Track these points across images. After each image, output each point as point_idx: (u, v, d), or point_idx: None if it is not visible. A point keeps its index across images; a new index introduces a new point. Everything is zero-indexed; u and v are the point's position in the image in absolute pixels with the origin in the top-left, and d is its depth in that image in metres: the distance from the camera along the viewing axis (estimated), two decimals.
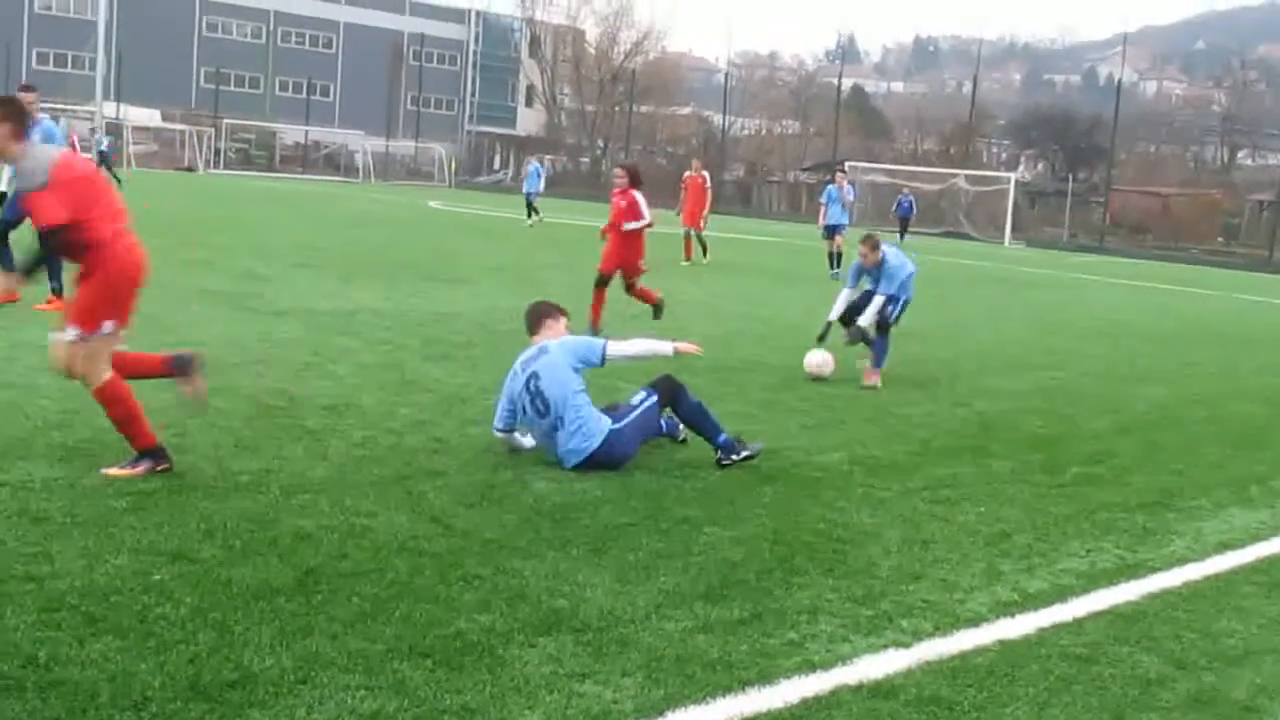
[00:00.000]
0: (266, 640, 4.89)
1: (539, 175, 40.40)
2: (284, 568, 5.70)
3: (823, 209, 28.35)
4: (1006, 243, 54.58)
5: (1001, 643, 5.55)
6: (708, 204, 28.32)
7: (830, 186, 28.72)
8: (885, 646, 5.39)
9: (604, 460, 7.91)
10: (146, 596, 5.23)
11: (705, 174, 28.68)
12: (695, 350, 9.18)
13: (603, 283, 14.64)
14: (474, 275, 20.28)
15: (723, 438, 8.36)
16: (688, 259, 26.84)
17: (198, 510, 6.47)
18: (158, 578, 5.46)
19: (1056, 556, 6.98)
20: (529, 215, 38.72)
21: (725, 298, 19.93)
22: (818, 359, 12.14)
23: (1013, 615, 5.93)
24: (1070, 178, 69.29)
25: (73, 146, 41.00)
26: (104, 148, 47.18)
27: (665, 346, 8.93)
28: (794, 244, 39.56)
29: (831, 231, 27.50)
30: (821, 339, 12.69)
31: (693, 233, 27.54)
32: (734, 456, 8.31)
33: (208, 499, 6.69)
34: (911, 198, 49.61)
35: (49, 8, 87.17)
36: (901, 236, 45.92)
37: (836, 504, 7.67)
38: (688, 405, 8.45)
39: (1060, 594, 6.31)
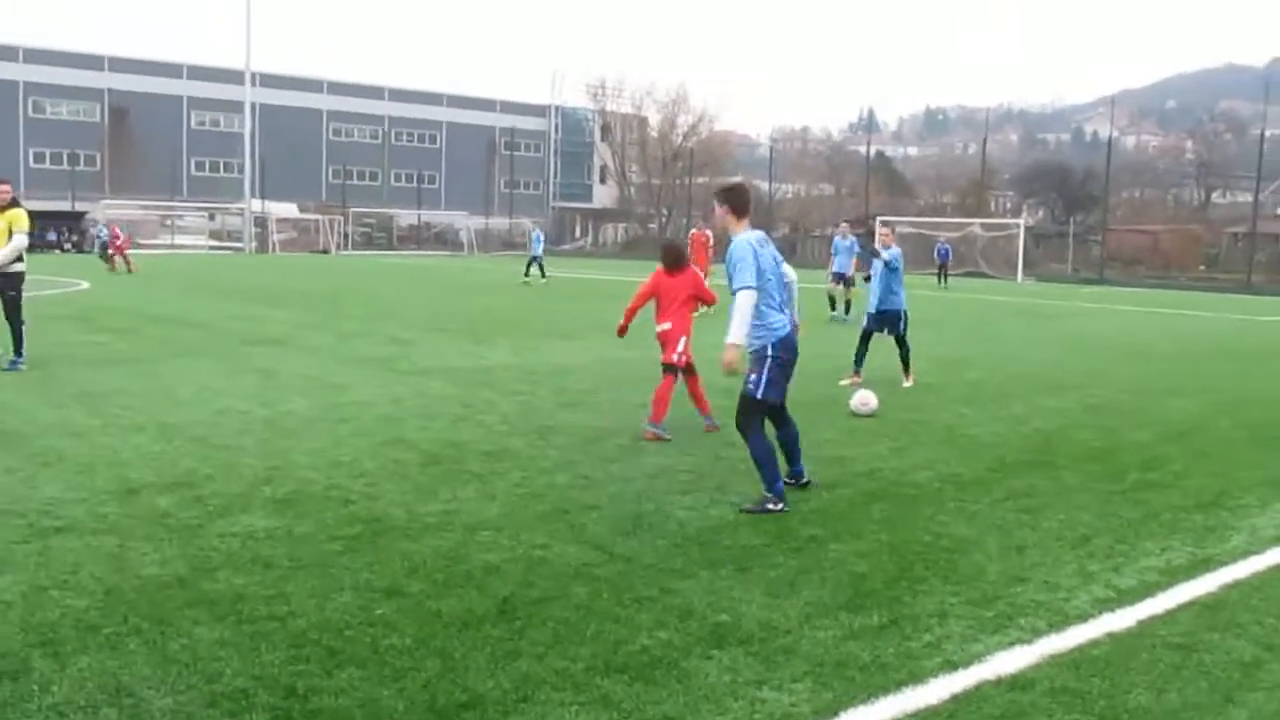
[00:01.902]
0: (484, 664, 4.81)
1: (540, 240, 39.87)
2: (483, 598, 5.63)
3: (832, 259, 26.10)
4: (1019, 279, 53.90)
5: (1110, 635, 5.37)
6: (709, 260, 25.88)
7: (836, 238, 26.59)
8: (1012, 644, 5.22)
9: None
10: (374, 629, 5.17)
11: (709, 232, 26.94)
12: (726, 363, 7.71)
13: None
14: (579, 331, 20.24)
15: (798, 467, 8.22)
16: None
17: (398, 550, 6.42)
18: (380, 612, 5.40)
19: (1136, 555, 6.76)
20: (528, 273, 38.27)
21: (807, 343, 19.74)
22: (860, 398, 11.70)
23: (1113, 610, 5.74)
24: (1070, 221, 68.41)
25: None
26: (104, 238, 45.86)
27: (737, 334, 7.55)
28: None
29: (840, 279, 25.36)
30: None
31: None
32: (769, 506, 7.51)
33: (405, 539, 6.64)
34: (949, 245, 49.08)
35: (204, 123, 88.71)
36: (941, 279, 45.32)
37: (936, 518, 7.49)
38: (790, 430, 8.19)
39: (1148, 589, 6.11)
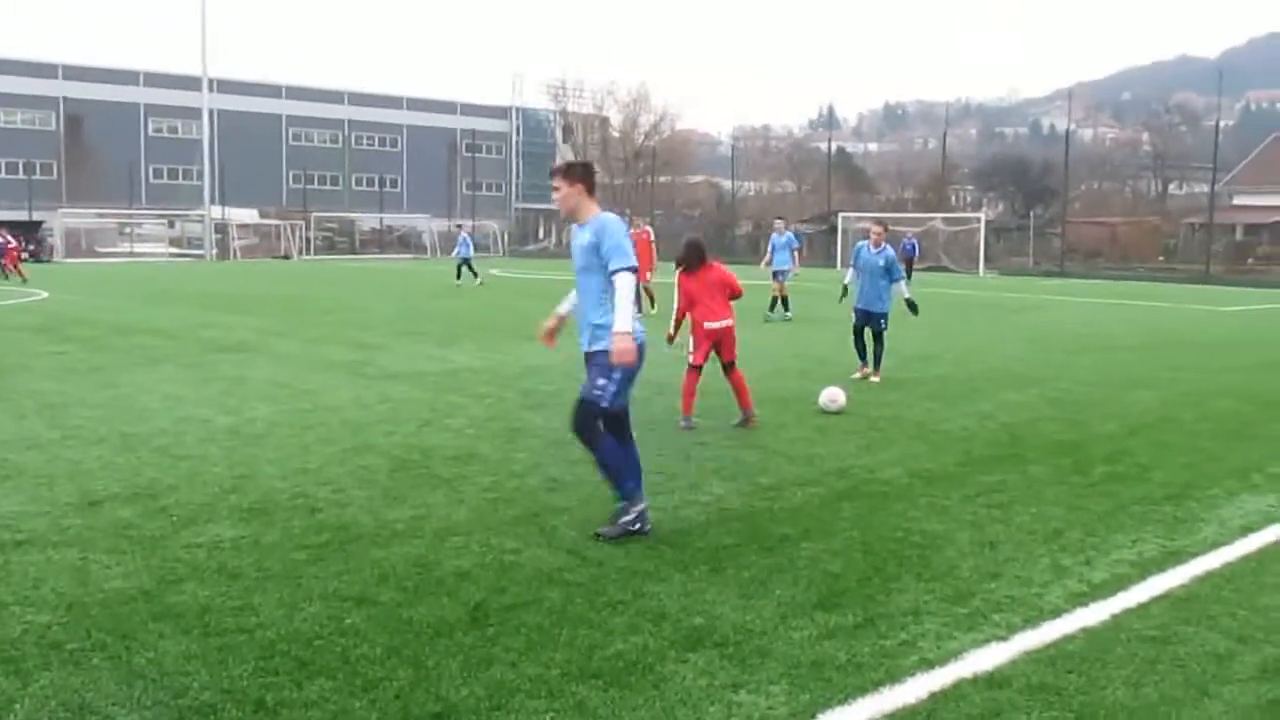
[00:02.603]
0: (457, 672, 4.74)
1: (467, 243, 39.58)
2: (454, 605, 5.56)
3: (770, 256, 25.18)
4: (981, 273, 54.20)
5: (1085, 630, 5.36)
6: (652, 258, 24.88)
7: (773, 235, 25.75)
8: (987, 641, 5.20)
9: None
10: (344, 639, 5.09)
11: (649, 229, 26.04)
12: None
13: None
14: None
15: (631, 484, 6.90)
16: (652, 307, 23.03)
17: (368, 558, 6.34)
18: (349, 621, 5.32)
19: (1107, 549, 6.76)
20: (459, 275, 37.98)
21: (761, 339, 19.68)
22: (828, 394, 11.63)
23: (1086, 604, 5.73)
24: (1029, 214, 68.88)
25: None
26: None
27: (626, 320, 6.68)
28: (805, 286, 39.34)
29: (776, 275, 24.50)
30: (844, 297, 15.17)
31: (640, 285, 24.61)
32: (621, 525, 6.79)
33: (374, 547, 6.56)
34: (915, 240, 48.91)
35: (161, 130, 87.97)
36: (908, 275, 45.38)
37: (908, 514, 7.47)
38: (633, 450, 7.08)
39: (1120, 582, 6.11)
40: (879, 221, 14.76)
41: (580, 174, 7.02)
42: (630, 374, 6.87)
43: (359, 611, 5.45)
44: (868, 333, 13.91)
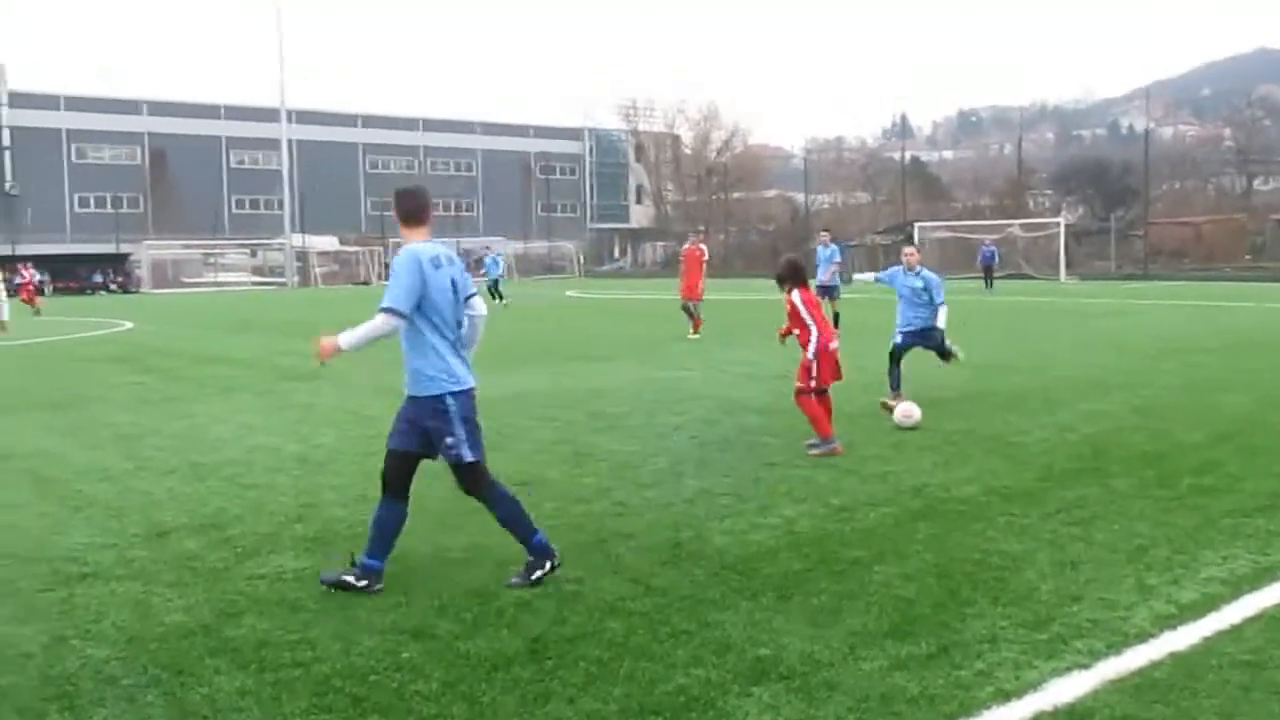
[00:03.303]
0: (512, 708, 4.59)
1: (497, 264, 39.21)
2: (513, 637, 5.41)
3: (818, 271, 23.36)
4: (1062, 278, 53.24)
5: (1173, 656, 5.06)
6: (703, 276, 23.75)
7: (818, 247, 24.14)
8: (1068, 669, 4.93)
9: None
10: (400, 674, 4.96)
11: (703, 246, 24.89)
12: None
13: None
14: (616, 353, 20.01)
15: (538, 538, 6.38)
16: (695, 332, 22.71)
17: (427, 588, 6.22)
18: (406, 655, 5.19)
19: (1196, 566, 6.43)
20: (495, 296, 37.09)
21: (849, 355, 19.37)
22: (903, 409, 11.36)
23: (1174, 628, 5.43)
24: (1110, 217, 67.51)
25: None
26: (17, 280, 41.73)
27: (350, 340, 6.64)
28: (878, 300, 38.92)
29: (825, 292, 22.17)
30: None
31: (690, 305, 23.34)
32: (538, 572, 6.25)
33: (433, 577, 6.44)
34: (994, 248, 48.11)
35: (242, 162, 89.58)
36: (988, 284, 44.42)
37: (985, 534, 7.19)
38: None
39: (1211, 602, 5.79)
40: (914, 247, 13.89)
41: (398, 204, 6.49)
42: (467, 416, 6.30)
43: (416, 645, 5.33)
44: (905, 359, 13.06)
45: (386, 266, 79.06)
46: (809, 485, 8.67)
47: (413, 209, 6.46)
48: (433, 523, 7.69)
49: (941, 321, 13.02)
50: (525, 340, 23.21)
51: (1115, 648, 5.18)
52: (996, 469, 9.19)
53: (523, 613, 5.76)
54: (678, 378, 15.64)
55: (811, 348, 10.06)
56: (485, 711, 4.56)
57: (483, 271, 39.56)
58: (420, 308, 6.21)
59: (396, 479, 6.39)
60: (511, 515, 6.40)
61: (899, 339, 13.13)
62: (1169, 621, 5.52)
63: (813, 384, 10.05)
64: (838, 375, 10.32)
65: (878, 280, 13.80)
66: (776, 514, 7.78)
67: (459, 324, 6.41)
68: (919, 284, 12.95)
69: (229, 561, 6.83)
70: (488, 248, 47.25)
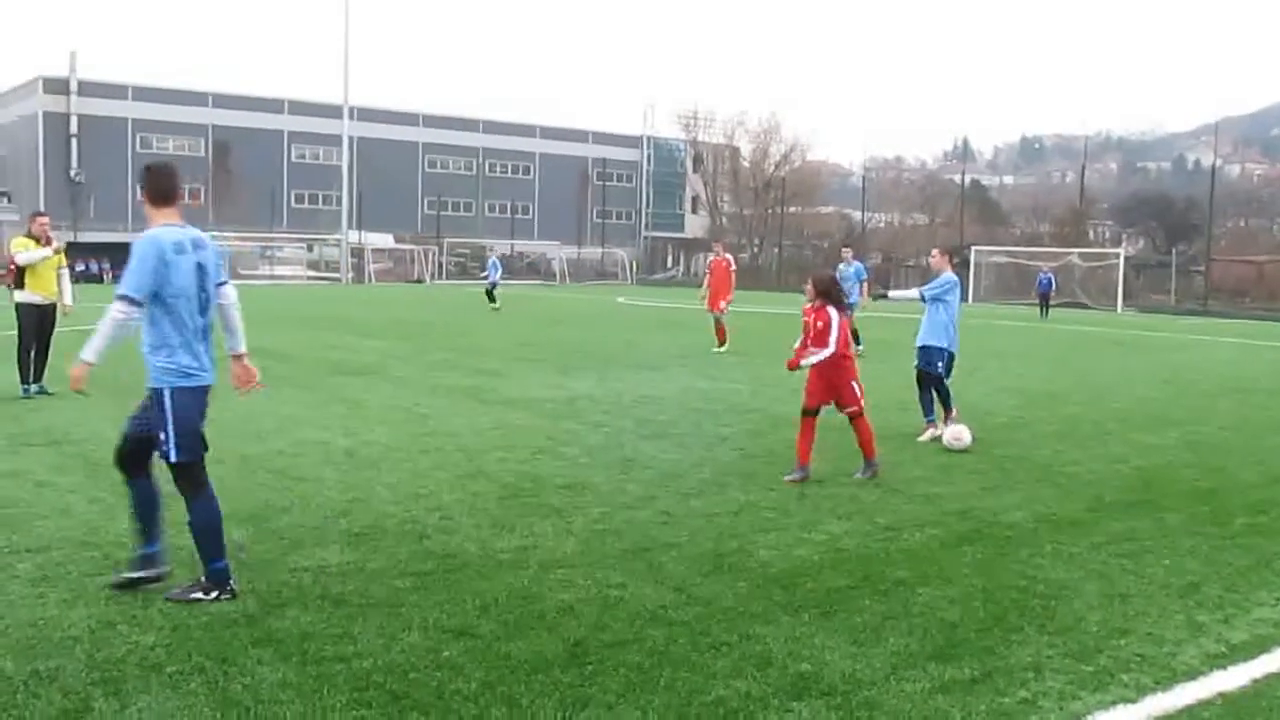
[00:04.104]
0: (551, 712, 4.60)
1: (497, 268, 38.94)
2: (554, 640, 5.42)
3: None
4: (1119, 310, 52.63)
5: (1222, 696, 5.00)
6: (731, 288, 23.07)
7: (841, 265, 22.97)
8: (1114, 703, 4.87)
9: None
10: (440, 673, 4.98)
11: (729, 256, 23.96)
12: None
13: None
14: (665, 362, 19.99)
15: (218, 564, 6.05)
16: (721, 345, 22.14)
17: (471, 588, 6.24)
18: (447, 654, 5.22)
19: (1248, 606, 6.34)
20: (494, 300, 37.10)
21: (883, 373, 19.25)
22: (953, 431, 11.27)
23: (1224, 667, 5.36)
24: (1171, 251, 66.67)
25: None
26: None
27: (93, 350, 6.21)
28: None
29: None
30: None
31: (716, 317, 22.64)
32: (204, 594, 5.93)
33: (478, 577, 6.46)
34: (1050, 275, 47.35)
35: (303, 156, 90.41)
36: (1043, 312, 43.75)
37: (1033, 561, 7.12)
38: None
39: (1262, 644, 5.71)
40: (940, 249, 13.34)
41: (146, 181, 6.20)
42: (185, 415, 6.16)
43: (457, 644, 5.35)
44: (964, 375, 12.47)
45: (440, 266, 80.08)
46: (854, 503, 8.63)
47: (163, 188, 6.20)
48: (486, 523, 7.74)
49: (894, 293, 12.39)
50: (577, 346, 23.26)
51: (1163, 684, 5.12)
52: (1045, 497, 9.09)
53: (565, 617, 5.77)
54: (726, 389, 15.61)
55: (852, 366, 9.84)
56: (524, 714, 4.57)
57: (484, 273, 39.52)
58: (159, 295, 5.95)
59: (129, 460, 6.26)
60: (205, 529, 6.08)
61: (916, 357, 12.43)
62: (1218, 661, 5.44)
63: (859, 405, 9.71)
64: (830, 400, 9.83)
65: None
66: (821, 530, 7.75)
67: (204, 312, 6.19)
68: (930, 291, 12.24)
69: (275, 553, 6.88)
70: (490, 250, 46.54)
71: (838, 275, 22.33)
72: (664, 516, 8.07)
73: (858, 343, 22.30)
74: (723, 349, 21.85)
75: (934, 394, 12.14)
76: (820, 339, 9.65)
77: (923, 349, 12.20)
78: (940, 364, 12.13)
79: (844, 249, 25.28)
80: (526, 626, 5.61)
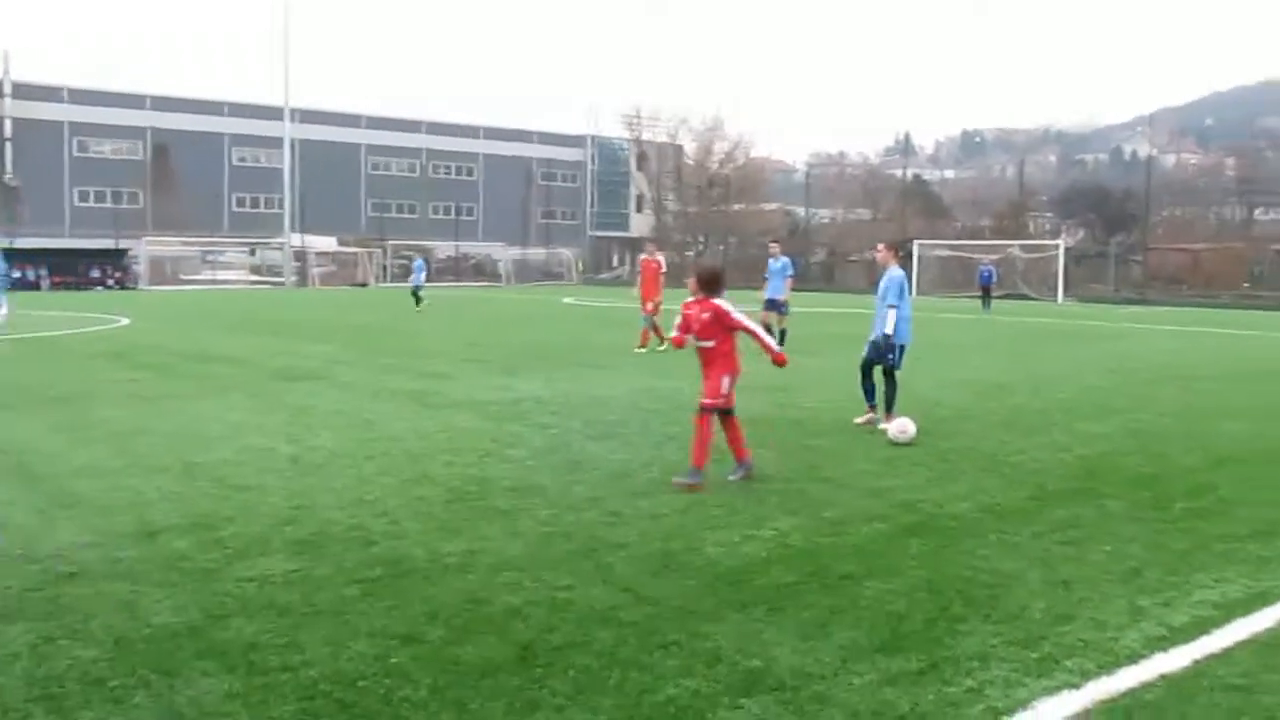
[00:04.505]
0: (500, 716, 4.58)
1: (422, 269, 39.00)
2: (502, 644, 5.40)
3: (766, 282, 22.36)
4: (1060, 300, 53.34)
5: (1164, 678, 5.08)
6: (660, 289, 22.38)
7: (770, 259, 22.74)
8: (1059, 689, 4.93)
9: None
10: (388, 680, 4.95)
11: (660, 257, 23.32)
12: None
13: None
14: (613, 361, 20.00)
15: None
16: (642, 346, 21.79)
17: (418, 593, 6.20)
18: (395, 661, 5.18)
19: (1188, 589, 6.44)
20: (421, 303, 37.20)
21: (830, 368, 19.39)
22: (898, 425, 11.31)
23: (1165, 650, 5.44)
24: (1110, 241, 67.63)
25: None
26: None
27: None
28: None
29: (773, 307, 21.79)
30: None
31: (646, 319, 22.06)
32: None
33: (425, 582, 6.42)
34: (992, 268, 47.80)
35: (244, 159, 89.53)
36: (985, 303, 44.07)
37: (978, 551, 7.19)
38: None
39: (1202, 626, 5.80)
40: (885, 243, 13.15)
41: None
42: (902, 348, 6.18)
43: (405, 650, 5.31)
44: (877, 371, 12.41)
45: (384, 268, 79.52)
46: (802, 498, 8.67)
47: None
48: (433, 527, 7.70)
49: (888, 328, 12.14)
50: (524, 348, 23.21)
51: (1106, 668, 5.18)
52: (990, 487, 9.19)
53: (513, 620, 5.75)
54: (674, 388, 15.61)
55: (732, 362, 9.24)
56: (473, 718, 4.55)
57: (412, 276, 39.44)
58: None
59: None
60: None
61: (866, 350, 12.58)
62: (1160, 643, 5.53)
63: (722, 401, 9.19)
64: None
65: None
66: (769, 526, 7.77)
67: None
68: (883, 283, 12.35)
69: (218, 563, 6.80)
70: (415, 253, 45.97)
71: (768, 270, 22.63)
72: (612, 517, 8.06)
73: (782, 343, 22.07)
74: (663, 347, 21.12)
75: (875, 384, 12.29)
76: (707, 331, 9.22)
77: (884, 344, 12.22)
78: (892, 356, 12.25)
79: (772, 244, 24.68)
80: (475, 631, 5.59)
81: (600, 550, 7.13)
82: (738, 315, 9.27)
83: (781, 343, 21.06)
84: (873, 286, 12.27)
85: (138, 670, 5.06)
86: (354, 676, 4.98)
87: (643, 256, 24.05)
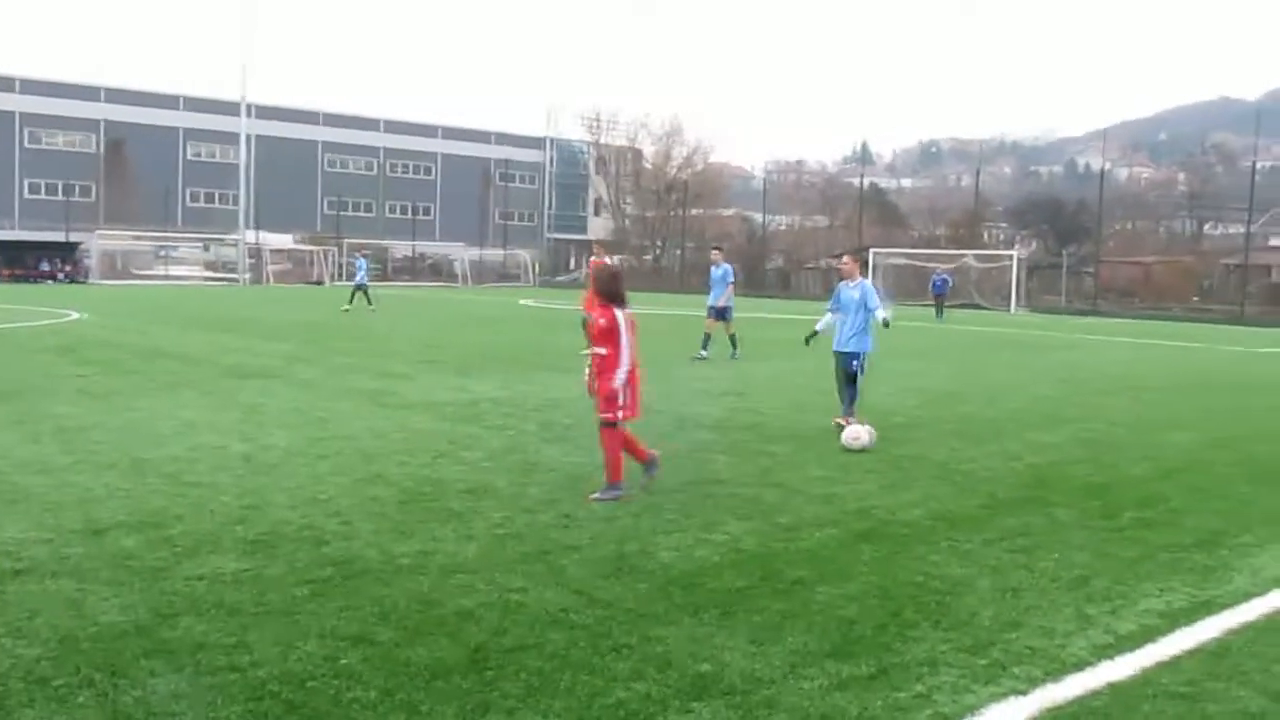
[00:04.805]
0: (451, 718, 4.56)
1: (363, 268, 38.76)
2: (454, 646, 5.38)
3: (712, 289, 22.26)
4: (1013, 310, 53.84)
5: (1111, 685, 5.13)
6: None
7: (712, 266, 22.88)
8: (1006, 695, 4.98)
9: None
10: (338, 681, 4.92)
11: (609, 259, 22.76)
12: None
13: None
14: (570, 364, 19.88)
15: None
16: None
17: (370, 594, 6.17)
18: (345, 662, 5.15)
19: (1135, 597, 6.52)
20: (355, 302, 36.72)
21: (786, 373, 19.49)
22: (851, 432, 11.35)
23: (1112, 658, 5.50)
24: (1063, 252, 68.40)
25: None
26: None
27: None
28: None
29: (718, 315, 21.80)
30: (808, 341, 13.50)
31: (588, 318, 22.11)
32: None
33: (377, 583, 6.39)
34: (946, 276, 48.03)
35: (199, 154, 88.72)
36: (938, 313, 44.26)
37: (928, 558, 7.25)
38: None
39: (1149, 634, 5.87)
40: (851, 254, 13.50)
41: None
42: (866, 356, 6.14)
43: (356, 651, 5.28)
44: (871, 374, 12.77)
45: (340, 267, 78.92)
46: (755, 504, 8.70)
47: None
48: (386, 528, 7.66)
49: (887, 313, 12.46)
50: (480, 349, 23.15)
51: (1053, 675, 5.24)
52: (941, 494, 9.26)
53: (465, 622, 5.73)
54: None
55: (621, 374, 8.76)
56: None
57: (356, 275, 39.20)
58: None
59: None
60: None
61: (835, 360, 12.76)
62: (1107, 651, 5.59)
63: (619, 414, 8.82)
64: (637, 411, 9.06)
65: (833, 312, 12.93)
66: (722, 531, 7.79)
67: None
68: (856, 295, 12.52)
69: (167, 561, 6.73)
70: (359, 252, 45.19)
71: (710, 277, 22.34)
72: (565, 519, 8.05)
73: (705, 348, 21.59)
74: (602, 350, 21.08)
75: (852, 390, 12.43)
76: (603, 338, 8.87)
77: (853, 354, 12.41)
78: (857, 364, 12.40)
79: (714, 250, 24.59)
80: (426, 632, 5.56)
81: (554, 553, 7.12)
82: (624, 333, 8.81)
83: (705, 347, 21.48)
84: (828, 294, 12.40)
85: (83, 669, 5.00)
86: (303, 677, 4.95)
87: (591, 258, 23.82)
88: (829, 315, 12.93)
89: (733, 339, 21.87)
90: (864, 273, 13.81)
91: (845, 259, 13.16)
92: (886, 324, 12.48)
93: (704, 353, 21.49)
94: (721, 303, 21.96)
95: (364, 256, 41.12)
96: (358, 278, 38.29)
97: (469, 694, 4.81)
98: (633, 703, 4.76)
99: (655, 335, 25.48)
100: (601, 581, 6.52)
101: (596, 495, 8.71)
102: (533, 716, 4.60)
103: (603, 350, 8.89)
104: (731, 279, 22.36)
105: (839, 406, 12.57)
